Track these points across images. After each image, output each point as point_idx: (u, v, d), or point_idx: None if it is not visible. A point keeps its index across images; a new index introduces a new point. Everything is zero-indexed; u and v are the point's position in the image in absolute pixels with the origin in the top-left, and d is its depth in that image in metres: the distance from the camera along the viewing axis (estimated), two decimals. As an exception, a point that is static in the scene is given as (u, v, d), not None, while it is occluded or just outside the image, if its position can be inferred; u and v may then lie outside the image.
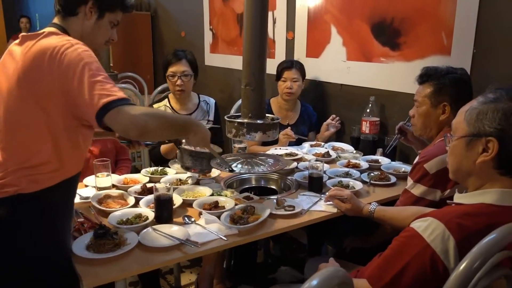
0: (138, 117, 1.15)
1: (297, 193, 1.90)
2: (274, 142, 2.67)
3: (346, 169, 2.16)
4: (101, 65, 1.22)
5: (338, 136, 2.86)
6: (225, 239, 1.45)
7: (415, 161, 1.72)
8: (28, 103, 1.21)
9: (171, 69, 2.54)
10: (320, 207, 1.75)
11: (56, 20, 1.37)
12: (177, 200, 1.71)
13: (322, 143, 2.70)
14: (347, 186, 1.94)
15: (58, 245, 1.31)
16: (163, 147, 2.46)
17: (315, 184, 1.90)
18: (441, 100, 1.72)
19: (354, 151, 2.45)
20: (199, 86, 4.35)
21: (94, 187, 1.87)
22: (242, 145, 2.38)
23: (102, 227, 1.40)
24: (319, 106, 2.97)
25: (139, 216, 1.56)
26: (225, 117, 1.88)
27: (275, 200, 1.75)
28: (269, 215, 1.61)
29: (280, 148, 2.54)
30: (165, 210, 1.56)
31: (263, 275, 2.78)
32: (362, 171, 2.14)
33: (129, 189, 1.82)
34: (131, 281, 2.55)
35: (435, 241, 1.06)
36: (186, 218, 1.59)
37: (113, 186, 1.90)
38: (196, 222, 1.57)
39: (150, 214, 1.57)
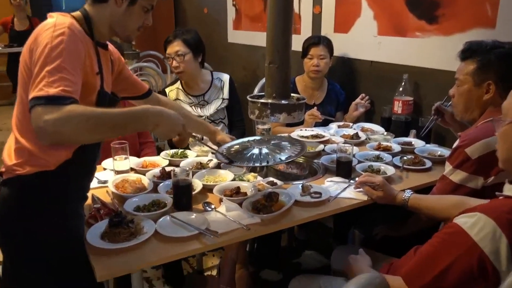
0: (49, 123, 1.01)
1: (324, 178, 1.79)
2: (300, 123, 2.54)
3: (377, 152, 2.02)
4: (69, 55, 1.13)
5: (368, 116, 2.71)
6: (247, 228, 1.36)
7: (454, 145, 1.57)
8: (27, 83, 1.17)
9: (167, 52, 2.45)
10: (349, 194, 1.63)
11: (85, 5, 1.32)
12: (197, 185, 1.63)
13: (351, 124, 2.55)
14: (378, 171, 1.81)
15: (70, 230, 1.27)
16: None
17: (344, 169, 1.78)
18: (486, 78, 1.55)
19: (385, 133, 2.30)
20: (222, 63, 4.25)
21: (112, 170, 1.80)
22: (265, 126, 2.26)
23: (118, 214, 1.32)
24: (348, 85, 2.81)
25: (157, 203, 1.48)
26: (248, 97, 1.76)
27: (300, 186, 1.64)
28: (294, 202, 1.50)
29: (305, 129, 2.41)
30: (184, 197, 1.48)
31: (287, 260, 2.70)
32: (394, 155, 2.00)
33: (148, 173, 1.74)
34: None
35: (484, 240, 0.93)
36: (206, 205, 1.51)
37: (132, 169, 1.83)
38: (217, 209, 1.48)
39: (169, 200, 1.49)
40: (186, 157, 1.99)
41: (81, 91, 1.17)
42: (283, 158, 1.56)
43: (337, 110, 2.76)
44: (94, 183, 1.70)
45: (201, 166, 1.86)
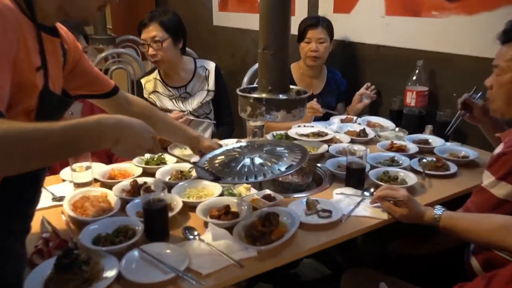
0: None
1: (331, 189, 1.47)
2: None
3: (391, 154, 1.71)
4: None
5: (373, 109, 2.40)
6: (240, 266, 1.04)
7: (497, 151, 1.26)
8: None
9: (142, 37, 2.08)
10: (364, 210, 1.32)
11: None
12: (176, 203, 1.30)
13: (354, 118, 2.24)
14: (395, 179, 1.51)
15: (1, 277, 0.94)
16: None
17: (356, 177, 1.47)
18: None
19: (397, 129, 1.99)
20: (207, 50, 3.87)
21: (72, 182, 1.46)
22: (258, 123, 1.94)
23: (68, 251, 0.99)
24: (350, 73, 2.49)
25: (123, 231, 1.15)
26: (238, 91, 1.44)
27: (304, 201, 1.33)
28: (298, 224, 1.19)
29: (304, 125, 2.09)
30: (157, 223, 1.16)
31: (284, 270, 2.40)
32: (410, 156, 1.69)
33: (115, 187, 1.40)
34: None
35: None
36: (187, 232, 1.18)
37: (96, 181, 1.49)
38: (201, 237, 1.16)
39: (139, 226, 1.16)
40: (164, 163, 1.65)
41: (13, 95, 0.84)
42: (282, 168, 1.22)
43: (338, 101, 2.45)
44: (47, 201, 1.37)
45: (181, 175, 1.53)
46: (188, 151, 1.78)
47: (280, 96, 1.39)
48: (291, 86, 1.52)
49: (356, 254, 1.90)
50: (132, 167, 1.59)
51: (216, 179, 1.16)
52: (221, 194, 1.39)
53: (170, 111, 2.15)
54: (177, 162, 1.65)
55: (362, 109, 2.31)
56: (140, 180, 1.45)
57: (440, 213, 1.23)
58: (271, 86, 1.41)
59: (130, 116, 1.00)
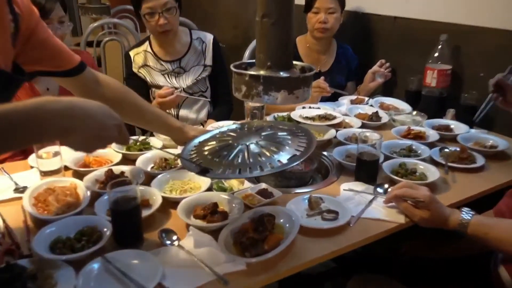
0: None
1: (338, 183, 1.27)
2: (302, 97, 2.00)
3: (408, 142, 1.50)
4: None
5: (387, 89, 2.16)
6: (224, 282, 0.85)
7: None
8: None
9: (147, 5, 1.82)
10: (377, 212, 1.12)
11: None
12: (155, 199, 1.11)
13: (366, 99, 2.01)
14: (413, 173, 1.30)
15: None
16: None
17: (368, 170, 1.26)
18: None
19: (414, 112, 1.77)
20: (207, 21, 3.60)
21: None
22: (257, 104, 1.72)
23: (8, 268, 0.80)
24: (362, 48, 2.25)
25: (88, 233, 0.96)
26: (232, 67, 1.23)
27: (307, 200, 1.13)
28: (298, 229, 0.99)
29: (310, 107, 1.87)
30: (127, 226, 0.96)
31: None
32: (430, 145, 1.48)
33: (86, 178, 1.21)
34: None
35: None
36: (164, 236, 0.99)
37: (66, 169, 1.30)
38: (180, 242, 0.97)
39: (107, 228, 0.97)
40: (149, 148, 1.45)
41: None
42: (283, 160, 1.01)
43: (348, 79, 2.21)
44: (8, 191, 1.19)
45: (166, 164, 1.33)
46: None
47: (281, 73, 1.18)
48: (295, 62, 1.30)
49: (364, 252, 1.71)
50: (111, 153, 1.39)
51: (203, 171, 0.96)
52: (209, 188, 1.19)
53: (161, 87, 1.93)
54: (163, 148, 1.45)
55: (374, 89, 2.08)
56: (117, 169, 1.25)
57: (469, 217, 1.02)
58: (270, 61, 1.19)
59: (100, 101, 0.81)
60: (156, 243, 0.98)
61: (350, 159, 1.36)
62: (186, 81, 1.97)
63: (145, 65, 1.97)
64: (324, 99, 1.99)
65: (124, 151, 1.40)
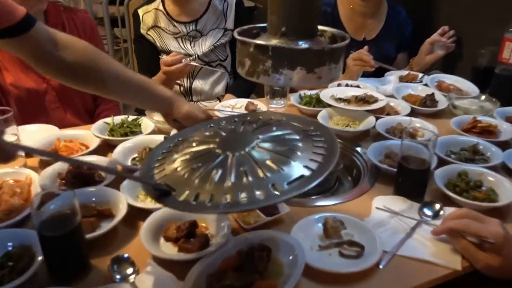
0: None
1: (370, 196, 0.94)
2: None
3: (473, 140, 1.12)
4: None
5: (448, 64, 1.73)
6: None
7: None
8: None
9: None
10: (421, 247, 0.79)
11: None
12: (121, 207, 0.84)
13: (419, 75, 1.62)
14: (478, 186, 0.94)
15: None
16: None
17: (413, 183, 0.92)
18: None
19: (482, 97, 1.37)
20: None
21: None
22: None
23: None
24: (419, 11, 1.82)
25: (16, 256, 0.71)
26: (235, 33, 0.92)
27: (321, 223, 0.81)
28: (302, 270, 0.69)
29: (347, 84, 1.51)
30: (62, 255, 0.70)
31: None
32: (503, 144, 1.10)
33: (44, 171, 0.96)
34: None
35: None
36: (115, 268, 0.72)
37: (27, 156, 1.05)
38: (136, 279, 0.70)
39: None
40: (136, 131, 1.18)
41: None
42: (282, 184, 0.63)
43: (398, 50, 1.81)
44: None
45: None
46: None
47: (299, 44, 0.86)
48: (323, 28, 0.98)
49: None
50: (88, 137, 1.13)
51: (159, 197, 0.66)
52: (195, 196, 0.90)
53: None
54: (152, 132, 1.17)
55: (432, 64, 1.68)
56: (92, 159, 0.99)
57: None
58: (285, 26, 0.87)
59: (59, 67, 0.75)
60: (106, 276, 0.72)
61: (390, 161, 1.02)
62: (202, 47, 1.67)
63: (155, 26, 1.67)
64: (366, 74, 1.62)
65: (106, 136, 1.13)
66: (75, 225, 0.68)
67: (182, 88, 1.71)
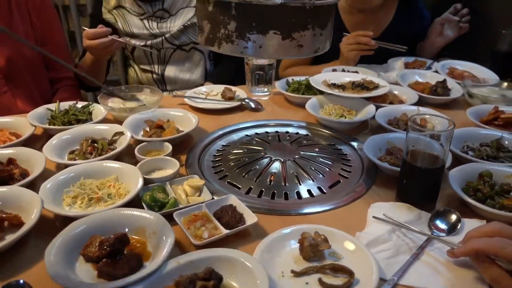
0: None
1: (367, 201, 0.73)
2: (334, 56, 1.41)
3: (496, 133, 0.91)
4: None
5: (461, 47, 1.51)
6: None
7: None
8: None
9: None
10: (433, 274, 0.57)
11: None
12: (36, 211, 0.63)
13: (428, 61, 1.41)
14: (507, 192, 0.72)
15: None
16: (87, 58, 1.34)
17: (422, 186, 0.70)
18: None
19: (504, 84, 1.15)
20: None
21: None
22: (264, 61, 1.18)
23: None
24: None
25: None
26: None
27: (296, 238, 0.60)
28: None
29: (343, 70, 1.30)
30: None
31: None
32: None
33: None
34: None
35: None
36: (1, 301, 0.51)
37: None
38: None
39: None
40: (86, 121, 0.97)
41: None
42: None
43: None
44: None
45: (91, 149, 0.84)
46: (131, 104, 1.08)
47: (269, -1, 0.66)
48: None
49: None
50: (24, 124, 0.93)
51: None
52: (138, 200, 0.69)
53: (136, 36, 1.44)
54: (103, 121, 0.96)
55: (442, 46, 1.46)
56: (2, 154, 0.79)
57: None
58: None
59: None
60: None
61: (392, 159, 0.81)
62: (171, 27, 1.44)
63: (119, 6, 1.45)
64: (366, 60, 1.40)
65: (42, 124, 0.93)
66: None
67: (155, 76, 1.51)
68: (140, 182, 0.71)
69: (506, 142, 0.87)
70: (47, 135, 0.93)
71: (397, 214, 0.68)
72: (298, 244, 0.60)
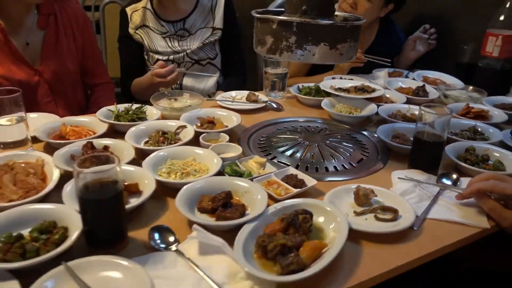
0: None
1: (387, 171, 0.97)
2: (328, 68, 1.69)
3: (471, 122, 1.19)
4: None
5: (430, 60, 1.83)
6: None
7: None
8: None
9: None
10: (448, 211, 0.82)
11: None
12: (147, 182, 0.81)
13: (404, 72, 1.70)
14: (485, 160, 1.00)
15: None
16: (137, 81, 1.57)
17: (429, 155, 0.96)
18: None
19: (470, 87, 1.45)
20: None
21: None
22: (279, 70, 1.42)
23: None
24: (402, 11, 1.90)
25: (48, 230, 0.68)
26: (253, 13, 0.94)
27: (351, 191, 0.83)
28: (347, 233, 0.69)
29: (341, 77, 1.56)
30: (103, 221, 0.67)
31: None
32: (494, 126, 1.18)
33: (57, 153, 0.91)
34: None
35: None
36: (156, 237, 0.70)
37: (36, 140, 1.01)
38: (180, 247, 0.68)
39: (77, 222, 0.68)
40: (143, 118, 1.15)
41: None
42: None
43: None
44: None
45: (163, 139, 1.03)
46: (178, 104, 1.28)
47: (320, 20, 0.88)
48: (336, 12, 1.01)
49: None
50: (95, 123, 1.10)
51: None
52: (220, 173, 0.89)
53: (160, 53, 1.63)
54: (161, 118, 1.15)
55: (414, 60, 1.77)
56: (99, 143, 0.96)
57: None
58: (306, 4, 0.90)
59: None
60: (145, 246, 0.70)
61: (399, 141, 1.06)
62: (191, 45, 1.65)
63: (143, 26, 1.65)
64: (355, 71, 1.68)
65: (112, 120, 1.10)
66: (116, 192, 0.66)
67: (174, 85, 1.70)
68: (220, 160, 0.91)
69: (479, 129, 1.15)
70: (113, 131, 1.10)
71: (414, 176, 0.92)
72: (353, 195, 0.82)
